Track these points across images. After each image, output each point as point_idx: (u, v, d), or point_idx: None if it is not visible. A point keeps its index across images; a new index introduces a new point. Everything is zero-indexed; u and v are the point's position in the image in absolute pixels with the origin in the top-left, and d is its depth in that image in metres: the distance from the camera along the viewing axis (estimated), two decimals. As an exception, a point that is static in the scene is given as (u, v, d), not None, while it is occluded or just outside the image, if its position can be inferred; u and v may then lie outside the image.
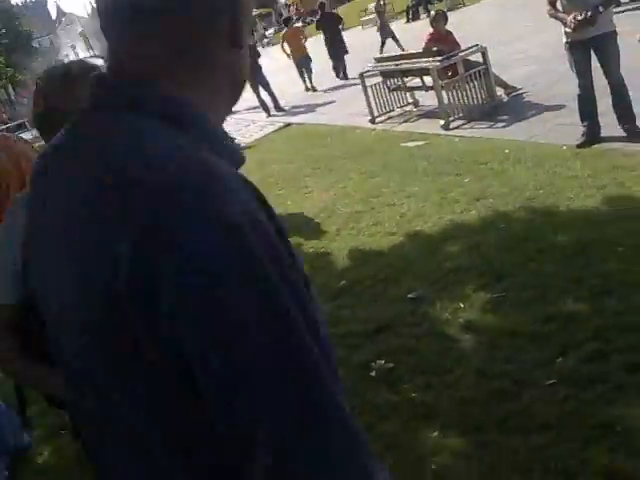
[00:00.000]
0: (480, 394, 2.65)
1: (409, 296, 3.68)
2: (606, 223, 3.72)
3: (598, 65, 5.01)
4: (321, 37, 14.69)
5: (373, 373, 3.07)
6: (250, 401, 0.64)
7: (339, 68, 13.99)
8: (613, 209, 3.92)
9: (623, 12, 9.42)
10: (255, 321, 0.63)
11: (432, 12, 9.17)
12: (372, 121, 8.71)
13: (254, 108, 13.69)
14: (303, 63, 14.06)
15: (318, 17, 14.59)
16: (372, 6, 23.96)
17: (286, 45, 14.17)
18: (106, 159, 0.71)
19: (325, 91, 13.54)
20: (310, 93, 14.00)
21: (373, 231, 4.90)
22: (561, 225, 3.90)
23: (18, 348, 1.48)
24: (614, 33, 4.90)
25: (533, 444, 2.28)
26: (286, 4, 55.61)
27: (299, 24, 45.34)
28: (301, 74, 14.25)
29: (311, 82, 14.17)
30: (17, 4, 52.48)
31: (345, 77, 13.78)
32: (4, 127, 12.20)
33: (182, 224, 0.63)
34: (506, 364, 2.75)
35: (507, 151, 5.70)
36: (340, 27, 14.49)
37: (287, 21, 15.56)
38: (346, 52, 14.27)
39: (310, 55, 13.96)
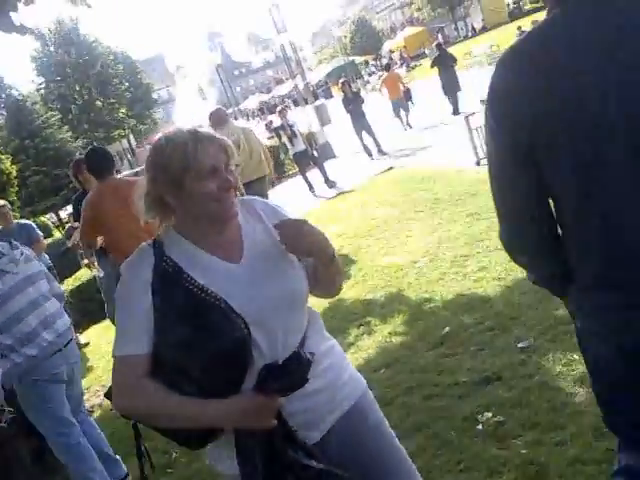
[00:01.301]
0: (596, 453, 2.47)
1: (519, 345, 3.53)
2: None
3: None
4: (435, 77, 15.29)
5: (480, 426, 2.95)
6: None
7: (454, 104, 14.30)
8: None
9: None
10: None
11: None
12: (477, 163, 8.58)
13: (358, 152, 13.92)
14: (399, 105, 15.14)
15: (435, 56, 15.10)
16: (476, 50, 23.95)
17: (384, 88, 14.82)
18: None
19: (429, 129, 13.58)
20: (413, 135, 14.08)
21: (479, 276, 4.77)
22: None
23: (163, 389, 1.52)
24: None
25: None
26: (390, 50, 56.56)
27: (401, 69, 45.97)
28: (397, 113, 15.19)
29: (407, 120, 15.23)
30: (138, 59, 56.62)
31: (457, 112, 13.85)
32: (133, 172, 13.20)
33: None
34: (626, 423, 2.55)
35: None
36: (454, 66, 14.83)
37: (388, 67, 16.40)
38: (459, 89, 14.43)
39: (410, 95, 14.72)
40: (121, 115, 44.98)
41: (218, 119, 7.20)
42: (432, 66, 15.25)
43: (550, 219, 1.45)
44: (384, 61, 57.53)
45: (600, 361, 1.49)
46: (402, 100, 15.16)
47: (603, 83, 1.24)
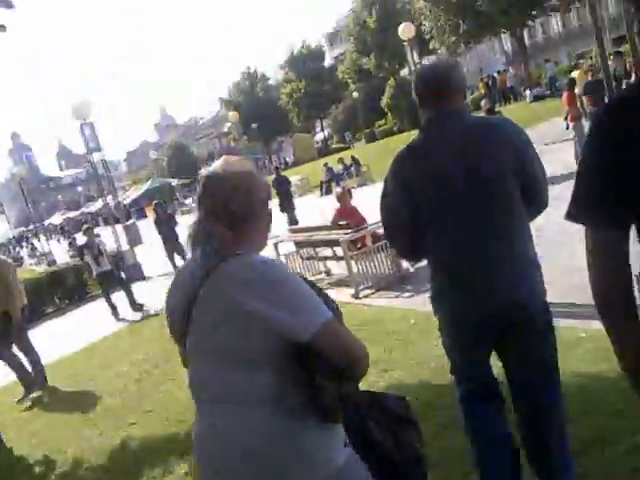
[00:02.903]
0: None
1: None
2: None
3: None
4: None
5: None
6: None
7: (290, 220, 14.83)
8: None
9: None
10: None
11: (338, 189, 9.71)
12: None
13: (169, 274, 13.59)
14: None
15: (273, 179, 15.46)
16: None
17: None
18: None
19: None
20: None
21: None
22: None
23: None
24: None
25: None
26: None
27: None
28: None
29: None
30: None
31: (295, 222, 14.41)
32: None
33: None
34: None
35: (413, 321, 5.77)
36: (289, 188, 15.74)
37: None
38: (294, 207, 15.41)
39: None
40: None
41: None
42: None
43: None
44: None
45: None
46: None
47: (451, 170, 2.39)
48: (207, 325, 1.71)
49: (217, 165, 1.83)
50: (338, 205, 8.66)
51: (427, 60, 2.55)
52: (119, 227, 16.36)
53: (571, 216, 1.49)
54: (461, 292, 2.43)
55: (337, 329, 1.67)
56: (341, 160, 25.66)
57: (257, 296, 1.63)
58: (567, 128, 12.79)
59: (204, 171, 1.83)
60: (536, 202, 2.49)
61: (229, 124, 45.37)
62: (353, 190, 11.65)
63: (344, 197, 8.65)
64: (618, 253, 1.45)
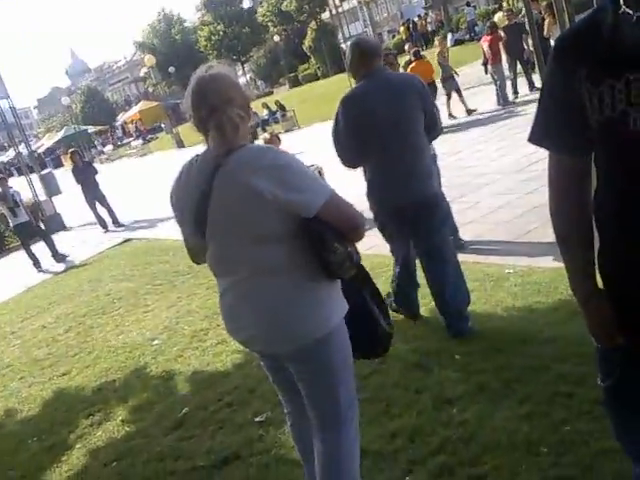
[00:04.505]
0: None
1: (256, 420, 3.50)
2: (443, 331, 3.88)
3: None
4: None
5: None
6: None
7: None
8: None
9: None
10: None
11: (266, 135, 9.61)
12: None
13: (92, 224, 13.19)
14: None
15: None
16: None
17: None
18: None
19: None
20: (152, 206, 13.81)
21: (218, 350, 4.71)
22: (401, 335, 4.00)
23: None
24: (434, 156, 5.37)
25: None
26: (125, 122, 55.79)
27: (138, 141, 45.50)
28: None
29: None
30: None
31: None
32: None
33: None
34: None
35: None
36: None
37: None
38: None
39: None
40: None
41: None
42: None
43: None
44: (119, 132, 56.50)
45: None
46: None
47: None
48: (225, 207, 1.97)
49: (204, 70, 2.03)
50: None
51: (357, 37, 3.85)
52: (35, 177, 15.61)
53: (534, 139, 1.51)
54: (387, 188, 3.65)
55: (339, 202, 1.97)
56: (265, 105, 25.22)
57: (268, 179, 1.88)
58: (486, 72, 13.06)
59: (195, 75, 2.01)
60: (433, 130, 3.73)
61: (145, 68, 43.54)
62: (280, 135, 11.55)
63: (273, 143, 8.55)
64: (578, 178, 1.46)
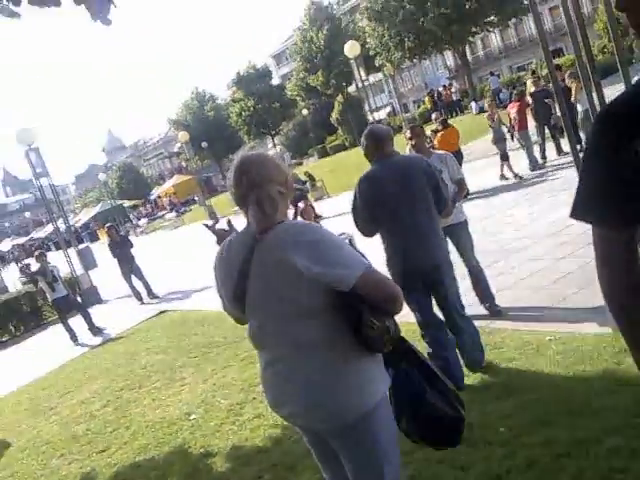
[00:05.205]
0: None
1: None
2: (485, 404, 3.79)
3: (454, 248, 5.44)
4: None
5: None
6: None
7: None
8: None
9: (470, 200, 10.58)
10: None
11: (300, 204, 9.77)
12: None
13: (127, 296, 13.37)
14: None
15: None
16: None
17: None
18: None
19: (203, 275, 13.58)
20: (186, 277, 13.96)
21: (256, 424, 4.66)
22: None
23: None
24: (465, 222, 5.41)
25: None
26: (159, 196, 57.26)
27: (172, 214, 46.36)
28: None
29: None
30: None
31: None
32: None
33: None
34: None
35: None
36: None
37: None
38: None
39: None
40: None
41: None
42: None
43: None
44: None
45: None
46: None
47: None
48: (263, 282, 2.03)
49: (245, 152, 2.14)
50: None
51: (371, 126, 4.33)
52: (72, 251, 16.00)
53: (576, 214, 1.45)
54: (403, 256, 4.06)
55: (375, 275, 1.99)
56: (295, 175, 25.75)
57: (304, 253, 1.93)
58: (512, 139, 13.17)
59: (239, 154, 2.13)
60: (440, 203, 4.08)
61: (179, 144, 44.98)
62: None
63: (307, 212, 8.73)
64: (626, 251, 1.41)
